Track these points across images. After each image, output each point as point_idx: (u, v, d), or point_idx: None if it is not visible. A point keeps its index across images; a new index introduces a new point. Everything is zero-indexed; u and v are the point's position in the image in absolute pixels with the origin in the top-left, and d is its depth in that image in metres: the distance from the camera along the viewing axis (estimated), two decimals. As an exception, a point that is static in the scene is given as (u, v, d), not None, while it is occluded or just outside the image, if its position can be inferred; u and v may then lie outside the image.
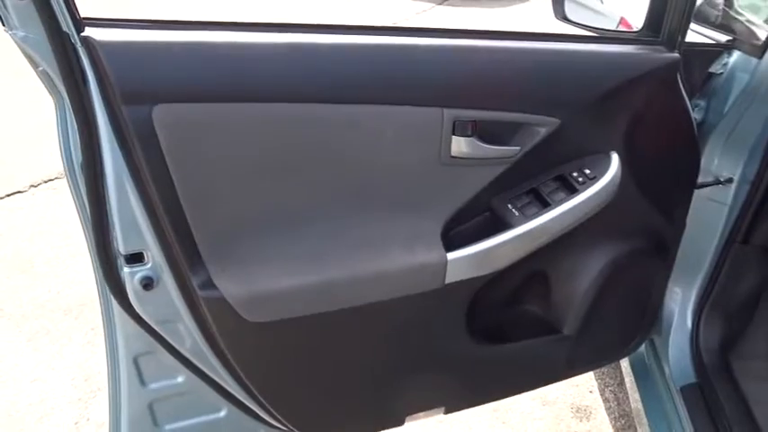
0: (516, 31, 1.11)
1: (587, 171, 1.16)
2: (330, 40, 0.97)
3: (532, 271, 1.24)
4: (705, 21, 1.44)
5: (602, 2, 1.58)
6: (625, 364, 1.72)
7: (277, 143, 0.96)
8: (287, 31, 0.95)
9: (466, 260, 1.10)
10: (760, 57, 1.22)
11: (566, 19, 1.36)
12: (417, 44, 1.03)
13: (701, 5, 1.46)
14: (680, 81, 1.17)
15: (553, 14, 1.36)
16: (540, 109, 1.09)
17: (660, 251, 1.35)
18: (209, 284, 0.99)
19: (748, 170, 1.34)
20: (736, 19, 1.35)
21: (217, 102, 0.91)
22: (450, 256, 1.09)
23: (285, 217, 1.01)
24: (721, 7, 1.38)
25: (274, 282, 1.02)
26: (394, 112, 1.02)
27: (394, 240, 1.08)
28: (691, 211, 1.35)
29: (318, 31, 0.97)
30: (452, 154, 1.05)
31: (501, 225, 1.12)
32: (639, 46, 1.17)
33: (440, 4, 8.04)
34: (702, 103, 1.39)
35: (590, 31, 1.38)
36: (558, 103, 1.10)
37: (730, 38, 1.33)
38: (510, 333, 1.32)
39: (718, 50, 1.34)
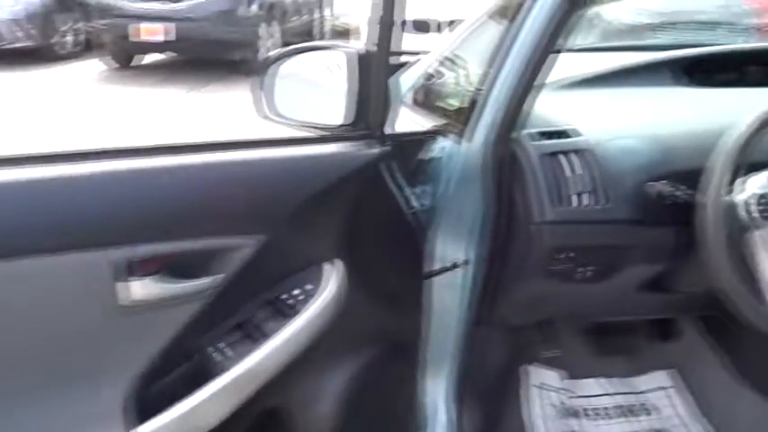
0: (196, 143, 0.95)
1: (307, 287, 1.02)
2: None
3: (261, 411, 1.06)
4: (417, 106, 1.43)
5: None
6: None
7: None
8: None
9: (165, 429, 0.88)
10: (461, 141, 1.20)
11: (275, 116, 1.22)
12: (56, 175, 0.81)
13: (409, 92, 1.45)
14: (390, 173, 1.10)
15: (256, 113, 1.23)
16: (237, 228, 0.93)
17: (403, 351, 1.27)
18: None
19: (478, 251, 1.32)
20: (440, 105, 1.34)
21: None
22: (143, 429, 0.86)
23: None
24: (428, 94, 1.38)
25: None
26: (37, 266, 0.78)
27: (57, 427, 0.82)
28: (432, 300, 1.29)
29: None
30: (127, 301, 0.84)
31: (205, 374, 0.92)
32: (345, 143, 1.08)
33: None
34: (426, 188, 1.35)
35: (303, 128, 1.26)
36: (257, 218, 0.96)
37: (439, 123, 1.32)
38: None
39: (430, 136, 1.31)
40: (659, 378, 1.66)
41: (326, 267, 1.04)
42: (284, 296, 1.00)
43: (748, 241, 0.99)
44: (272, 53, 1.26)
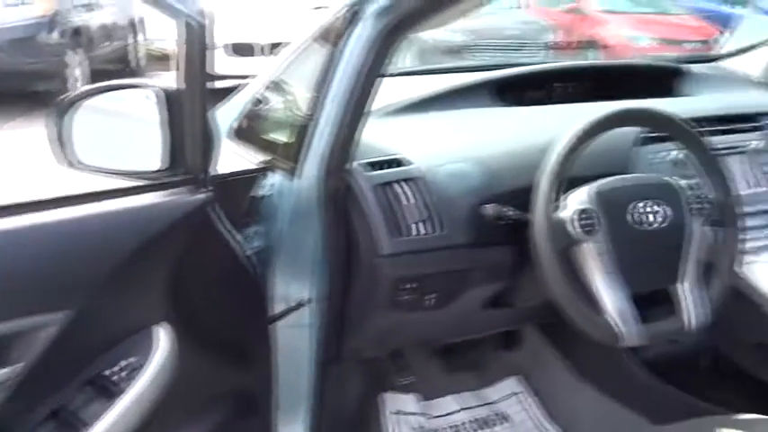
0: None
1: (132, 358, 0.90)
2: None
3: None
4: (243, 140, 1.35)
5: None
6: None
7: None
8: None
9: None
10: (292, 177, 1.14)
11: (78, 165, 1.07)
12: None
13: (234, 125, 1.37)
14: (218, 218, 1.02)
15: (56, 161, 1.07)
16: (39, 305, 0.79)
17: (254, 404, 1.18)
18: None
19: (322, 288, 1.27)
20: (267, 138, 1.28)
21: None
22: None
23: None
24: (254, 126, 1.30)
25: None
26: None
27: None
28: (279, 344, 1.22)
29: None
30: None
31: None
32: (163, 191, 0.97)
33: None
34: (260, 228, 1.27)
35: (114, 176, 1.12)
36: (63, 289, 0.82)
37: (268, 158, 1.24)
38: None
39: (260, 172, 1.24)
40: (509, 385, 1.72)
41: (154, 332, 0.92)
42: (107, 372, 0.87)
43: (577, 255, 1.03)
44: (70, 94, 1.10)
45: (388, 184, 1.11)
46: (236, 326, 1.14)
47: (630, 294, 1.02)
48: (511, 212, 1.08)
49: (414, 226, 1.09)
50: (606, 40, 7.10)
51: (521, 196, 1.15)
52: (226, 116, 1.47)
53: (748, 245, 1.19)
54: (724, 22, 7.53)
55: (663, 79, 1.72)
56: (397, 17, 0.97)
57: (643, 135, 1.29)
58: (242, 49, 5.72)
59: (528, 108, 1.44)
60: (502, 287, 1.21)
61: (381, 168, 1.13)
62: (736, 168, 1.34)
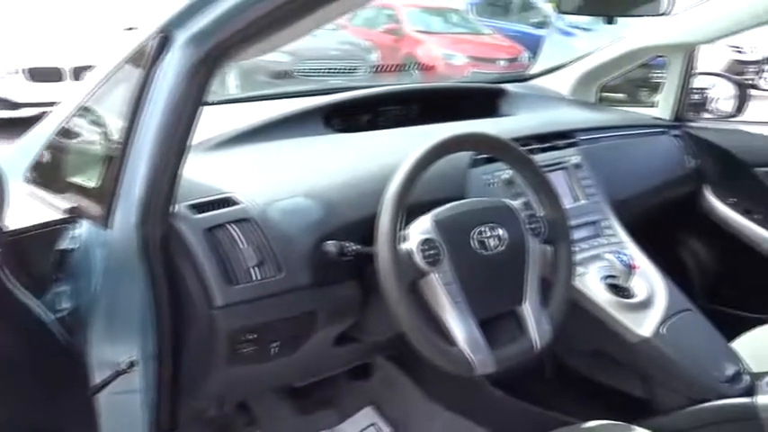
0: None
1: None
2: None
3: None
4: (42, 185, 1.17)
5: None
6: None
7: None
8: None
9: None
10: (105, 227, 1.00)
11: None
12: None
13: (30, 167, 1.18)
14: (11, 281, 0.85)
15: None
16: None
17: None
18: None
19: (149, 347, 1.12)
20: (74, 182, 1.11)
21: None
22: None
23: None
24: (55, 168, 1.13)
25: None
26: None
27: None
28: (106, 415, 1.06)
29: None
30: None
31: None
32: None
33: None
34: (69, 287, 1.09)
35: None
36: None
37: (74, 205, 1.07)
38: None
39: (63, 224, 1.07)
40: (365, 416, 1.67)
41: None
42: None
43: (424, 287, 1.00)
44: None
45: (219, 226, 1.00)
46: (50, 403, 0.96)
47: (479, 321, 1.01)
48: (354, 247, 1.02)
49: (250, 271, 0.99)
50: (424, 60, 7.46)
51: (362, 228, 1.10)
52: (22, 154, 1.27)
53: (577, 257, 1.24)
54: (528, 41, 8.31)
55: (486, 100, 1.79)
56: (215, 44, 0.87)
57: (475, 157, 1.30)
58: (44, 74, 5.13)
59: (358, 134, 1.40)
60: (351, 323, 1.15)
61: (209, 210, 1.01)
62: (560, 184, 1.40)
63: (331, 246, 1.01)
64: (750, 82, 6.94)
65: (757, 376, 1.16)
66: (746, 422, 1.08)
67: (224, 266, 0.97)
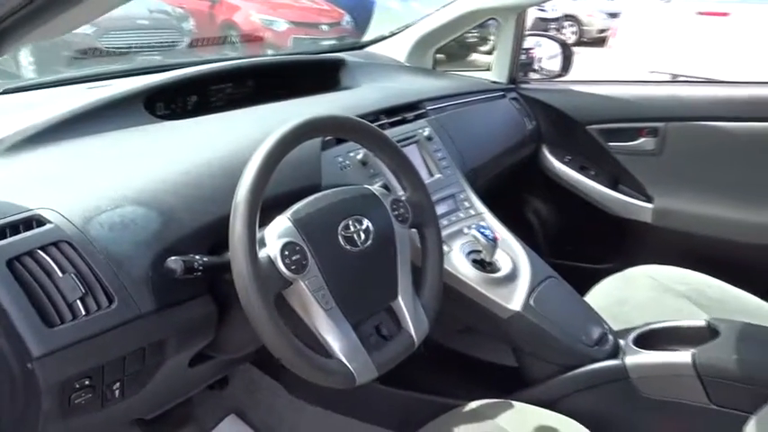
0: None
1: None
2: None
3: None
4: None
5: None
6: None
7: None
8: None
9: None
10: None
11: None
12: None
13: None
14: None
15: None
16: None
17: None
18: None
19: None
20: None
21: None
22: None
23: None
24: None
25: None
26: None
27: None
28: None
29: None
30: None
31: None
32: None
33: None
34: None
35: None
36: None
37: None
38: None
39: None
40: (228, 426, 1.53)
41: None
42: None
43: (291, 297, 0.87)
44: None
45: (25, 255, 0.78)
46: None
47: (354, 325, 0.91)
48: (203, 260, 0.86)
49: (74, 306, 0.79)
50: (243, 27, 7.09)
51: (208, 235, 0.94)
52: None
53: (441, 235, 1.18)
54: (348, 5, 8.22)
55: (324, 73, 1.66)
56: None
57: (325, 138, 1.18)
58: None
59: (187, 121, 1.20)
60: (210, 340, 0.99)
61: (9, 236, 0.79)
62: (414, 159, 1.33)
63: (174, 262, 0.84)
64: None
65: (620, 334, 1.20)
66: (618, 383, 1.11)
67: (38, 305, 0.77)
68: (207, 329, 0.96)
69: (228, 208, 0.87)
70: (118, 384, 0.86)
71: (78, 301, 0.80)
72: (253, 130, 1.11)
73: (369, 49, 2.07)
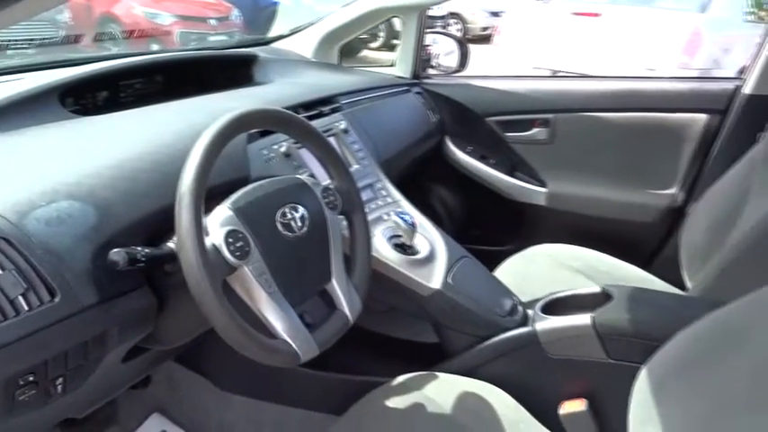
0: None
1: None
2: None
3: None
4: None
5: None
6: None
7: None
8: None
9: None
10: None
11: None
12: None
13: None
14: None
15: None
16: None
17: None
18: None
19: None
20: None
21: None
22: None
23: None
24: None
25: None
26: None
27: None
28: None
29: None
30: None
31: None
32: None
33: None
34: None
35: None
36: None
37: None
38: None
39: None
40: (152, 425, 1.52)
41: None
42: None
43: (236, 282, 0.91)
44: None
45: None
46: None
47: (295, 307, 0.96)
48: (145, 251, 0.88)
49: (15, 302, 0.79)
50: (124, 20, 6.77)
51: (147, 227, 0.95)
52: None
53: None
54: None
55: (235, 68, 1.68)
56: None
57: (249, 132, 1.22)
58: None
59: (105, 116, 1.19)
60: (148, 332, 1.00)
61: None
62: None
63: (117, 254, 0.85)
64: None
65: (528, 305, 1.32)
66: (529, 347, 1.23)
67: None
68: (147, 320, 0.98)
69: (164, 201, 0.89)
70: (61, 380, 0.86)
71: (20, 297, 0.79)
72: (178, 125, 1.13)
73: (274, 45, 2.10)
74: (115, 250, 0.86)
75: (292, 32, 2.09)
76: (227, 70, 1.66)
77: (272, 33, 2.19)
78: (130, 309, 0.93)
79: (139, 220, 0.95)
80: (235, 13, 7.78)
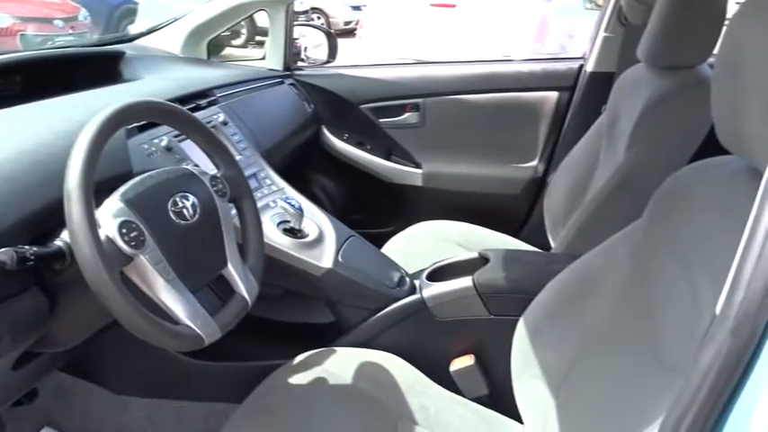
0: None
1: None
2: None
3: None
4: None
5: None
6: None
7: None
8: None
9: None
10: None
11: None
12: None
13: None
14: None
15: None
16: None
17: None
18: None
19: None
20: None
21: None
22: None
23: None
24: None
25: None
26: None
27: None
28: None
29: None
30: None
31: None
32: None
33: None
34: None
35: None
36: None
37: None
38: None
39: None
40: None
41: None
42: None
43: (133, 272, 0.91)
44: None
45: None
46: None
47: (194, 293, 0.97)
48: (34, 250, 0.86)
49: None
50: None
51: (30, 227, 0.93)
52: None
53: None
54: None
55: (101, 66, 1.63)
56: None
57: (128, 127, 1.20)
58: None
59: None
60: (41, 334, 0.97)
61: None
62: None
63: (5, 254, 0.82)
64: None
65: (414, 276, 1.41)
66: (419, 314, 1.32)
67: None
68: (39, 322, 0.95)
69: (47, 200, 0.87)
70: None
71: None
72: (55, 124, 1.09)
73: (138, 42, 2.04)
74: (2, 250, 0.83)
75: (154, 29, 2.05)
76: (91, 68, 1.61)
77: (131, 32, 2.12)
78: (21, 310, 0.90)
79: (22, 221, 0.92)
80: (83, 13, 7.29)
